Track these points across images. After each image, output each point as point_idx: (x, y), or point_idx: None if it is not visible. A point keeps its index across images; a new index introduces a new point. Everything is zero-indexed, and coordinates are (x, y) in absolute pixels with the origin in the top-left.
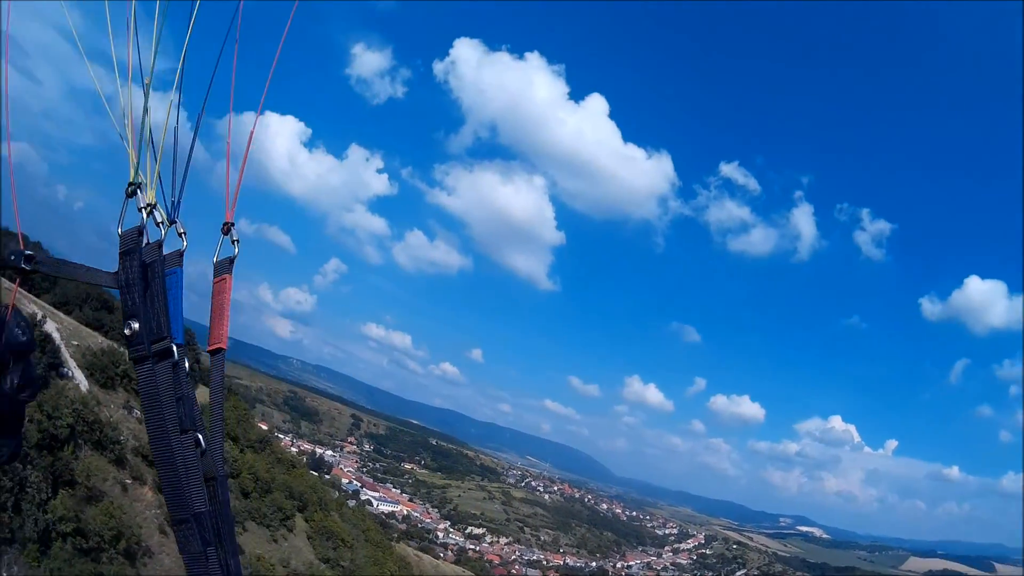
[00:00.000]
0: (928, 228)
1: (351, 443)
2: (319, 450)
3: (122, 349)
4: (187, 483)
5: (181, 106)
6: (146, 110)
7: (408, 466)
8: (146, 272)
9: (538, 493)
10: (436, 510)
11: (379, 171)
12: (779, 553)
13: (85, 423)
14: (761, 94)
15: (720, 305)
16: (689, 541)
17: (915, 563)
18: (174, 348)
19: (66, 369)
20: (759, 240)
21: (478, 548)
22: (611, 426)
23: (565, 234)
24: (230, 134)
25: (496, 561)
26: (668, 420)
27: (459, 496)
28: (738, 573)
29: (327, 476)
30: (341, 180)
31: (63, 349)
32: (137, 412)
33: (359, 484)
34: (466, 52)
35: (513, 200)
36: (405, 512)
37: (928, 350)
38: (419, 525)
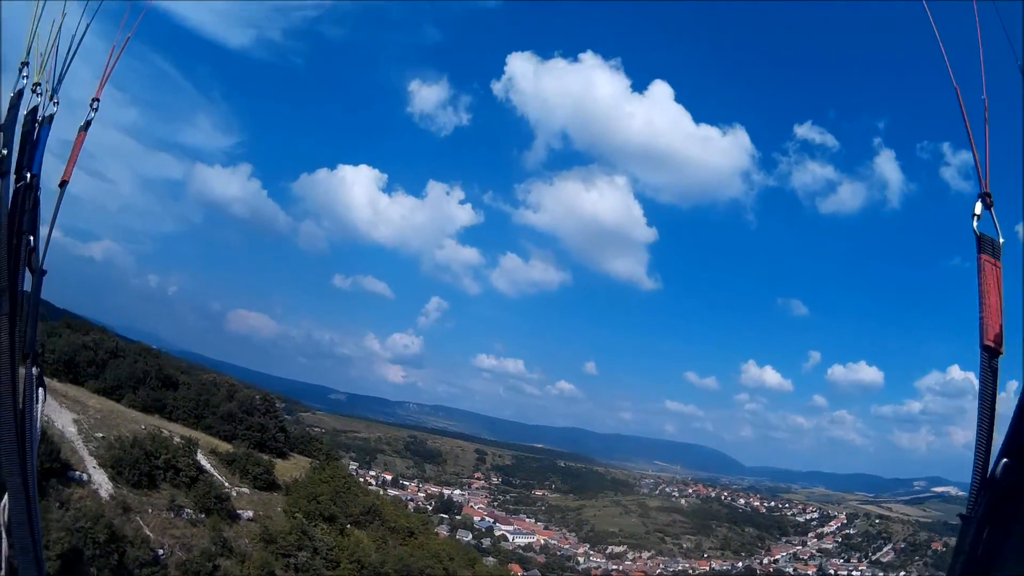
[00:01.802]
0: (1011, 149)
1: (478, 478)
2: (446, 491)
3: (173, 436)
4: (13, 268)
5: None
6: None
7: (539, 492)
8: (27, 122)
9: (674, 499)
10: (573, 534)
11: (461, 202)
12: (920, 520)
13: (95, 544)
14: (818, 44)
15: (822, 272)
16: (831, 523)
17: None
18: (29, 175)
19: (78, 472)
20: (848, 197)
21: (621, 567)
22: (734, 416)
23: (657, 230)
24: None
25: None
26: (789, 400)
27: (595, 515)
28: (885, 548)
29: (458, 517)
30: (426, 218)
31: (79, 447)
32: (189, 512)
33: (491, 519)
34: (520, 66)
35: (599, 205)
36: (542, 542)
37: None
38: (558, 553)
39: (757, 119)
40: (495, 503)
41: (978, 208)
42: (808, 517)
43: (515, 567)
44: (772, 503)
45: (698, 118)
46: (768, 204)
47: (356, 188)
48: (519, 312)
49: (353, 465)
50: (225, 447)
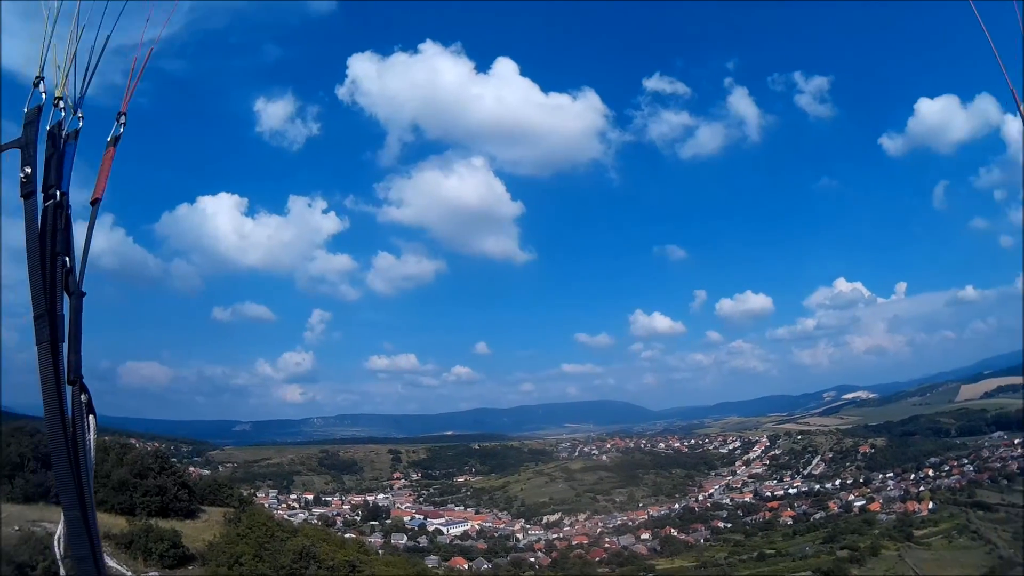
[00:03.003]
0: (863, 66)
1: (398, 478)
2: (370, 498)
3: (51, 533)
4: (51, 291)
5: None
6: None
7: (461, 479)
8: (50, 138)
9: (594, 457)
10: (505, 512)
11: (324, 211)
12: (840, 428)
13: None
14: None
15: (693, 214)
16: (755, 449)
17: (968, 390)
18: (58, 193)
19: None
20: (707, 139)
21: (561, 534)
22: (632, 367)
23: (522, 202)
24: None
25: (586, 542)
26: (684, 341)
27: (521, 490)
28: (814, 461)
29: (388, 521)
30: (292, 234)
31: None
32: None
33: (422, 516)
34: (362, 67)
35: (460, 189)
36: (477, 527)
37: (904, 184)
38: (496, 535)
39: (605, 79)
40: (420, 499)
41: None
42: (731, 447)
43: (459, 560)
44: (693, 441)
45: (546, 87)
46: (628, 159)
47: (219, 217)
48: (401, 308)
49: (272, 493)
50: (122, 524)
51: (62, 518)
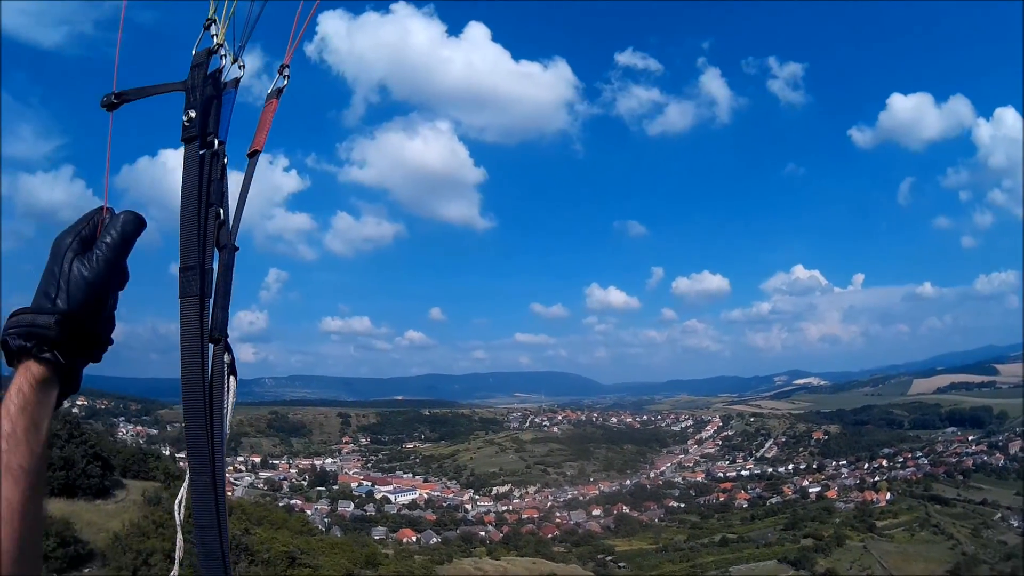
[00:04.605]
0: (838, 57)
1: (347, 443)
2: (317, 462)
3: None
4: (201, 242)
5: None
6: None
7: (410, 445)
8: (211, 80)
9: (545, 428)
10: (454, 482)
11: (285, 170)
12: (793, 412)
13: None
14: None
15: (656, 191)
16: (708, 428)
17: (920, 384)
18: (216, 142)
19: None
20: (676, 117)
21: (510, 506)
22: (586, 339)
23: (485, 169)
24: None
25: (536, 516)
26: (638, 317)
27: (471, 459)
28: (767, 444)
29: (335, 487)
30: (252, 191)
31: None
32: None
33: (369, 483)
34: (332, 25)
35: (424, 152)
36: (425, 496)
37: (870, 178)
38: (444, 504)
39: (578, 51)
40: (368, 464)
41: None
42: (683, 425)
43: (408, 532)
44: (645, 417)
45: (517, 55)
46: (595, 132)
47: (179, 172)
48: (358, 270)
49: None
50: None
51: (186, 481)
